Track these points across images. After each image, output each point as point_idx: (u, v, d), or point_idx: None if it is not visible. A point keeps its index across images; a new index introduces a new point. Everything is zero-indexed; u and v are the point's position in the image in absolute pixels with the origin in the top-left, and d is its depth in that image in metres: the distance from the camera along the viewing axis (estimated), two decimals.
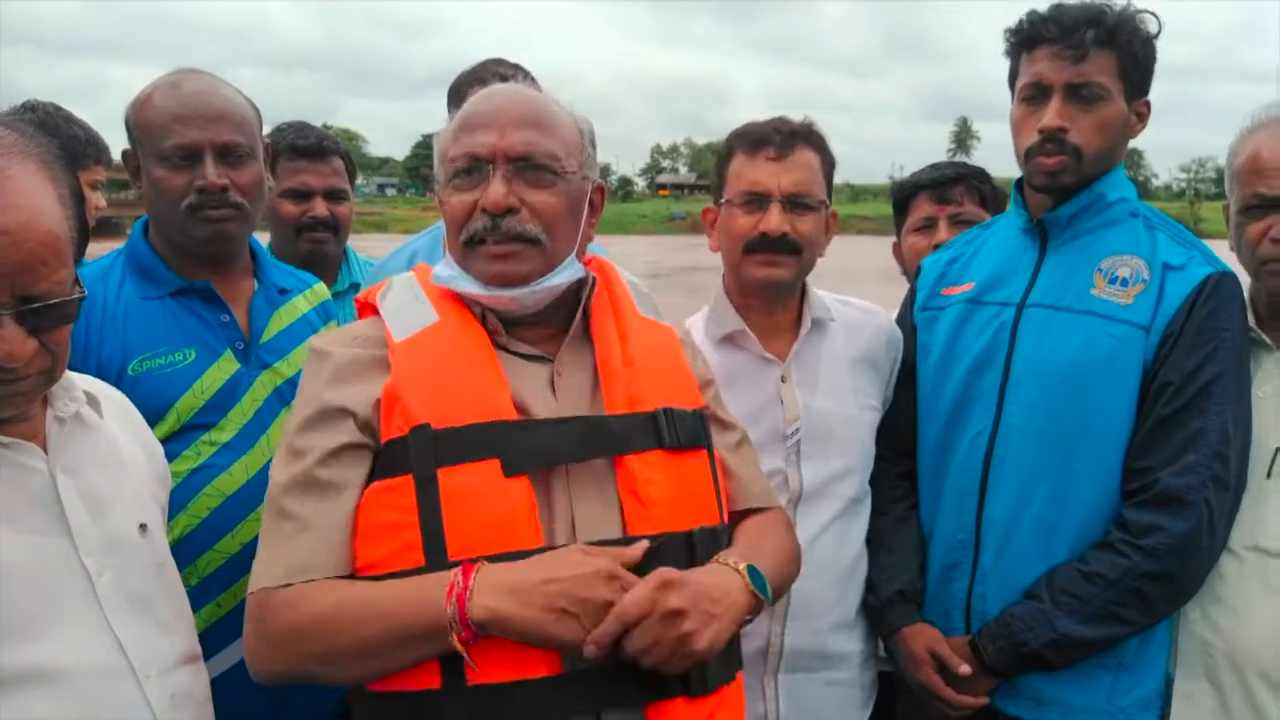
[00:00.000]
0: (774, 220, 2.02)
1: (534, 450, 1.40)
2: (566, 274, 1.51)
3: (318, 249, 2.77)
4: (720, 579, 1.41)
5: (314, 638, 1.33)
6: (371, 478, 1.41)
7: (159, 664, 1.33)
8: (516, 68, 2.70)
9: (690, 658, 1.34)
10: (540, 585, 1.28)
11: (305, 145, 2.78)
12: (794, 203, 2.04)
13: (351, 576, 1.38)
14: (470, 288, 1.48)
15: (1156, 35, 1.94)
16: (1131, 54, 1.92)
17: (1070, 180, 1.95)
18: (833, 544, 2.07)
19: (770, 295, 2.12)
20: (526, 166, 1.46)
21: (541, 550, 1.36)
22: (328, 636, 1.32)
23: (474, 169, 1.47)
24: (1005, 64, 2.07)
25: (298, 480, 1.39)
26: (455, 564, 1.33)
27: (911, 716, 2.29)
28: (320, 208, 2.79)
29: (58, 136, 2.60)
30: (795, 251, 2.05)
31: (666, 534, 1.42)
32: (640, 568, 1.38)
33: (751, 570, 1.44)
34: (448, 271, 1.51)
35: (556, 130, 1.50)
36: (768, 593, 1.46)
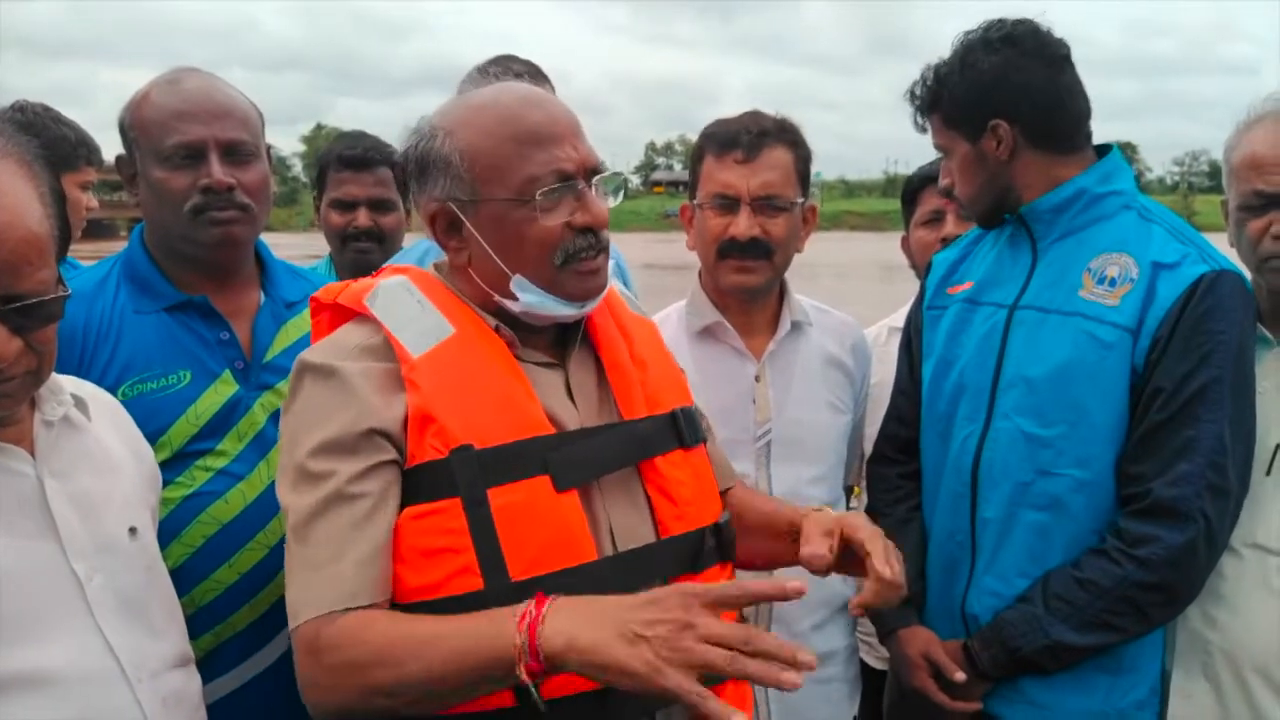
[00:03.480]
0: (743, 225, 2.02)
1: (580, 463, 1.38)
2: (609, 280, 1.53)
3: (362, 259, 2.76)
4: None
5: (378, 670, 1.25)
6: (408, 500, 1.35)
7: (150, 667, 1.32)
8: (528, 64, 2.69)
9: None
10: (614, 610, 1.18)
11: (351, 155, 2.80)
12: (764, 204, 2.03)
13: (393, 604, 1.33)
14: (565, 310, 1.45)
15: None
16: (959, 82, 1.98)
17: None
18: None
19: (745, 298, 2.12)
20: (598, 179, 1.45)
21: (596, 563, 1.35)
22: (390, 668, 1.25)
23: (563, 188, 1.41)
24: None
25: (328, 500, 1.32)
26: (517, 584, 1.29)
27: (897, 711, 2.30)
28: (363, 218, 2.80)
29: (46, 137, 2.58)
30: (767, 254, 2.04)
31: (700, 529, 1.46)
32: (682, 565, 1.43)
33: None
34: (535, 297, 1.43)
35: None
36: None
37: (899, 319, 2.72)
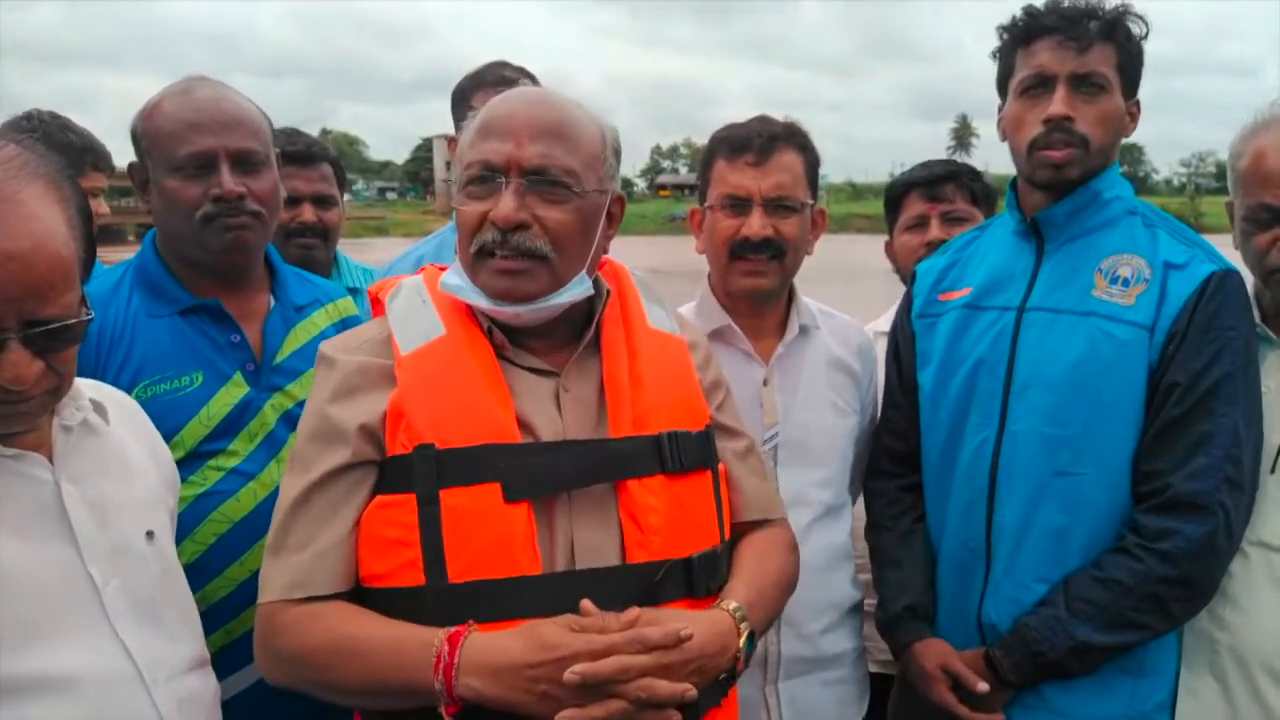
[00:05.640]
0: (755, 225, 2.04)
1: (535, 476, 1.39)
2: (574, 292, 1.48)
3: (306, 254, 2.75)
4: (717, 640, 1.39)
5: (312, 669, 1.38)
6: (379, 489, 1.41)
7: (166, 670, 1.33)
8: (521, 70, 2.70)
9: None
10: (523, 670, 1.28)
11: (294, 151, 2.76)
12: (775, 205, 2.05)
13: (357, 589, 1.41)
14: (477, 300, 1.46)
15: (1144, 36, 1.94)
16: (1128, 50, 1.92)
17: (1076, 173, 1.91)
18: (814, 550, 2.07)
19: (756, 301, 2.14)
20: (541, 181, 1.42)
21: (536, 577, 1.36)
22: (324, 671, 1.37)
23: (488, 178, 1.43)
24: (994, 62, 2.05)
25: (301, 496, 1.42)
26: (454, 586, 1.34)
27: (902, 713, 2.30)
28: (308, 213, 2.77)
29: (52, 145, 2.60)
30: (779, 254, 2.06)
31: (666, 561, 1.42)
32: (644, 595, 1.40)
33: (749, 640, 1.44)
34: (456, 281, 1.49)
35: (577, 142, 1.46)
36: (748, 660, 1.46)
37: (883, 323, 2.73)
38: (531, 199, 1.42)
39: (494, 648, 1.29)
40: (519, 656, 1.28)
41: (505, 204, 1.41)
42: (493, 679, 1.28)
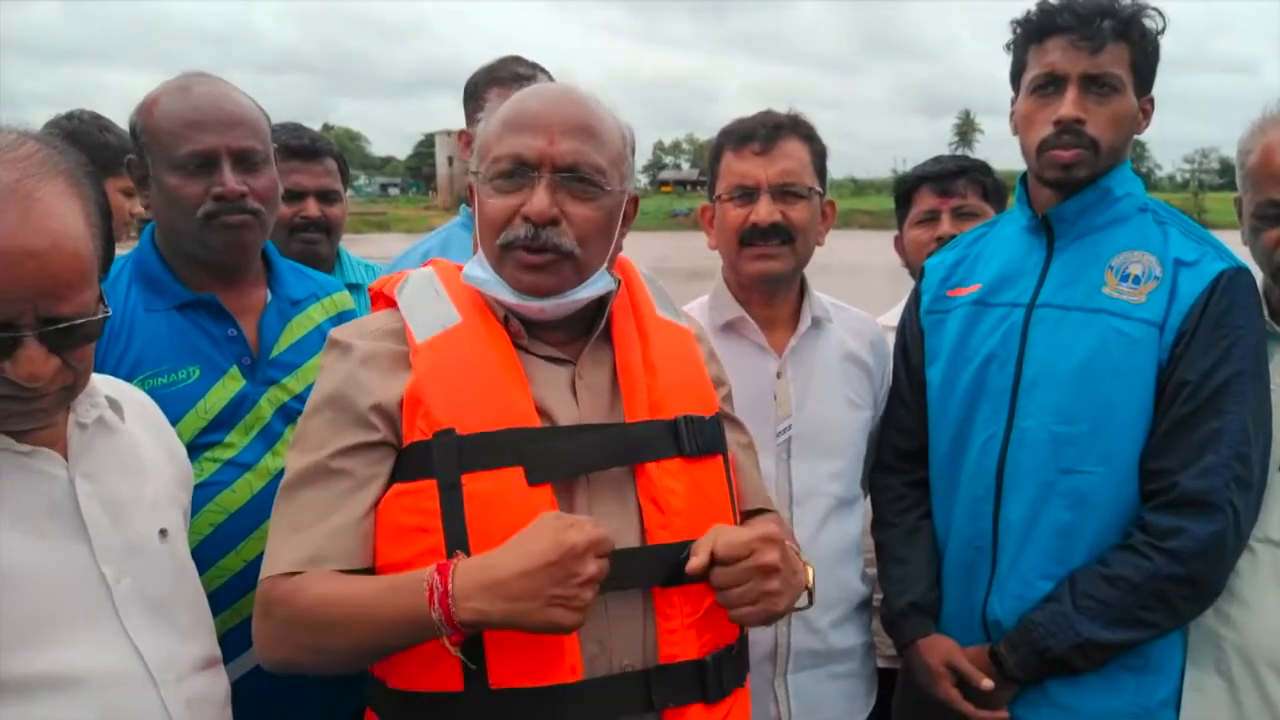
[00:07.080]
0: (763, 210, 2.06)
1: (557, 459, 1.40)
2: (596, 287, 1.50)
3: (310, 249, 2.74)
4: (797, 560, 1.48)
5: (309, 629, 1.35)
6: (394, 477, 1.41)
7: (177, 670, 1.33)
8: (534, 66, 2.69)
9: (769, 615, 1.40)
10: (519, 579, 1.25)
11: (298, 146, 2.76)
12: (782, 191, 2.07)
13: (370, 573, 1.39)
14: (503, 294, 1.46)
15: (1161, 32, 1.93)
16: (1143, 48, 1.91)
17: (1085, 174, 1.91)
18: (826, 542, 2.09)
19: (768, 288, 2.15)
20: (572, 178, 1.44)
21: None
22: (319, 632, 1.34)
23: (518, 172, 1.44)
24: (999, 59, 2.04)
25: (311, 470, 1.40)
26: None
27: (905, 709, 2.30)
28: (312, 208, 2.77)
29: (89, 144, 2.61)
30: (788, 240, 2.07)
31: (688, 541, 1.42)
32: (657, 575, 1.41)
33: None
34: (480, 273, 1.49)
35: (603, 140, 1.48)
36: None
37: (892, 317, 2.73)
38: (562, 195, 1.44)
39: (487, 565, 1.28)
40: (515, 565, 1.26)
41: (540, 199, 1.42)
42: (493, 595, 1.25)
